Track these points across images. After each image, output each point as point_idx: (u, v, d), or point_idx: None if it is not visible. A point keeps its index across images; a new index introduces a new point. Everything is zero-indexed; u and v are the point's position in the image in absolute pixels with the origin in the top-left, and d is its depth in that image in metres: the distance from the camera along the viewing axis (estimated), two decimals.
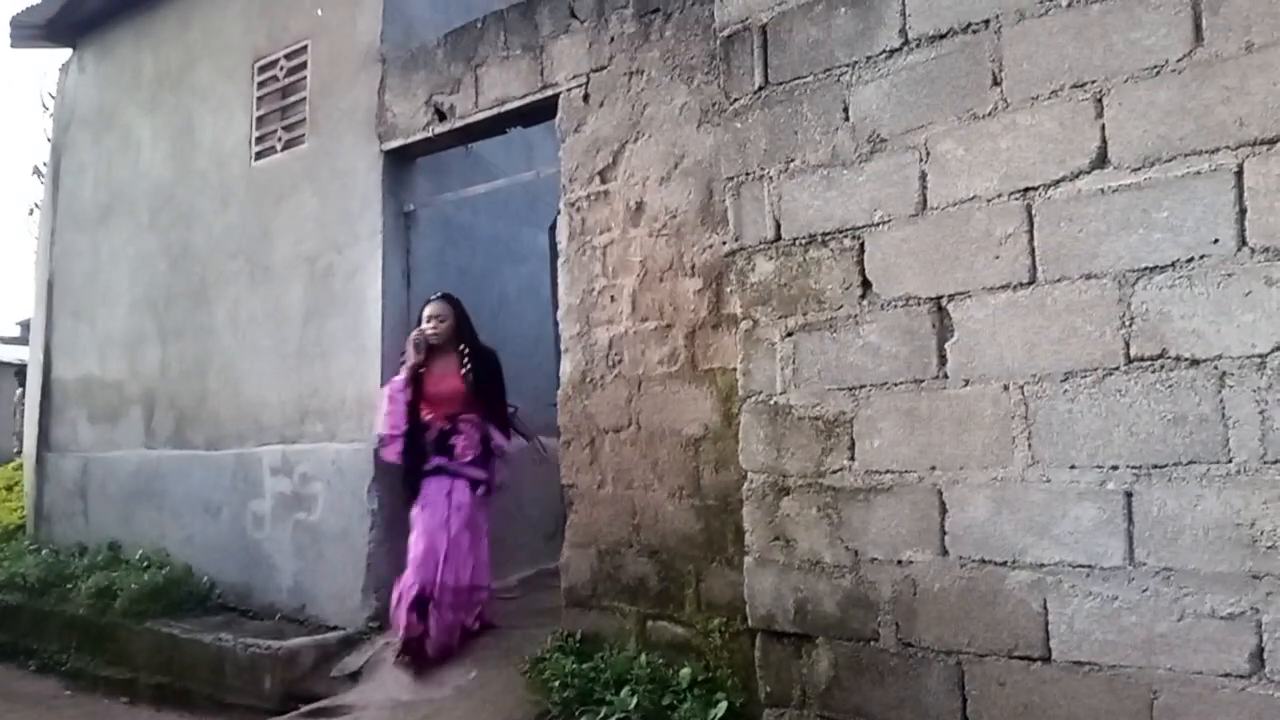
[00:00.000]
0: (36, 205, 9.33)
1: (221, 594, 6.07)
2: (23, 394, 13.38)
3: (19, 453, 12.82)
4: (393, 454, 4.80)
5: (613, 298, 4.41)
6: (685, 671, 3.77)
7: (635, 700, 3.68)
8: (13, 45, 8.47)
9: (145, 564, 6.39)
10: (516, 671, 4.30)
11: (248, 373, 6.17)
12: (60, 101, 8.49)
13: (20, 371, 14.09)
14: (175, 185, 7.02)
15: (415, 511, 4.67)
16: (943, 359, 2.67)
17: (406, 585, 4.54)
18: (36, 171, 9.69)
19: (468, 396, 4.79)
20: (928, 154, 2.75)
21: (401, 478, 4.84)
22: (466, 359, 4.79)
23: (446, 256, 5.98)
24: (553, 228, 5.55)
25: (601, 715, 3.69)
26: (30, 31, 8.26)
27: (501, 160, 5.82)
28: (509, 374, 6.03)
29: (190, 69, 7.03)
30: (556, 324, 5.46)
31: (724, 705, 3.52)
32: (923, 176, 2.75)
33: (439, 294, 4.95)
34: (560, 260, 4.66)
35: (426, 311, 4.86)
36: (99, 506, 7.32)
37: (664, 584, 4.09)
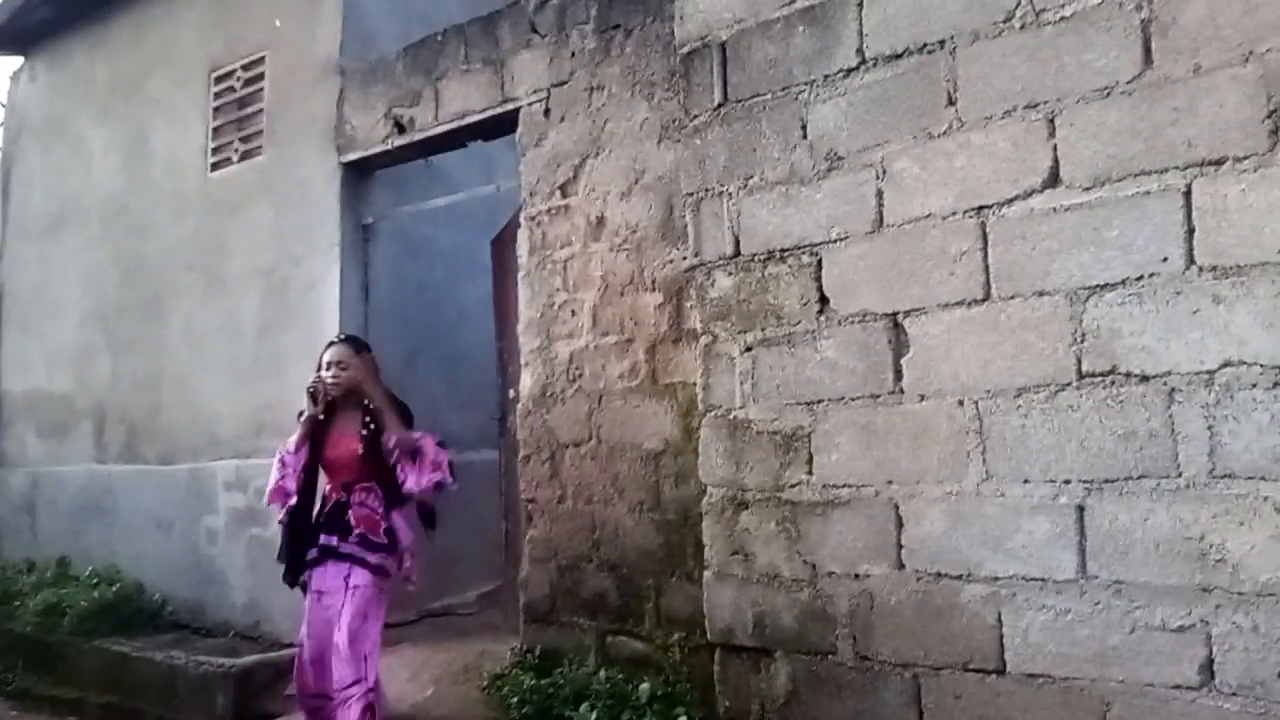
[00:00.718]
0: None
1: (174, 611, 5.95)
2: None
3: None
4: (280, 502, 3.87)
5: (573, 312, 4.41)
6: (645, 687, 3.75)
7: (595, 716, 3.66)
8: None
9: (95, 581, 6.23)
10: (475, 688, 4.27)
11: (202, 387, 6.08)
12: (10, 110, 8.33)
13: None
14: (128, 196, 6.91)
15: (307, 601, 3.77)
16: (899, 374, 2.70)
17: (299, 685, 3.79)
18: None
19: (365, 463, 3.78)
20: (884, 172, 2.78)
21: (279, 557, 3.89)
22: (368, 418, 3.80)
23: (405, 269, 5.94)
24: (495, 240, 5.54)
25: None
26: None
27: (461, 173, 5.79)
28: (468, 388, 6.02)
29: (145, 79, 6.93)
30: (497, 338, 5.48)
31: None
32: (879, 194, 2.78)
33: (342, 335, 4.13)
34: (521, 274, 4.65)
35: (326, 356, 3.89)
36: (47, 522, 7.15)
37: (624, 599, 4.08)
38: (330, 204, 5.53)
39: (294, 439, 3.84)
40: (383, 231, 5.72)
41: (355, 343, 4.02)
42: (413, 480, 3.70)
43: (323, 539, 3.75)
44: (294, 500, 3.80)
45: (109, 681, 5.35)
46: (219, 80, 6.34)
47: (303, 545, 3.78)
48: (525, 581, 4.47)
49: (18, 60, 8.25)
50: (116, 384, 6.76)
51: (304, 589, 3.78)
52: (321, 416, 3.81)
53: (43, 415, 7.38)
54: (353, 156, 5.48)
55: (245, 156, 6.12)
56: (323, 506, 3.86)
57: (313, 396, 3.79)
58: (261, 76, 6.06)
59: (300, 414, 3.88)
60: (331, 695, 3.61)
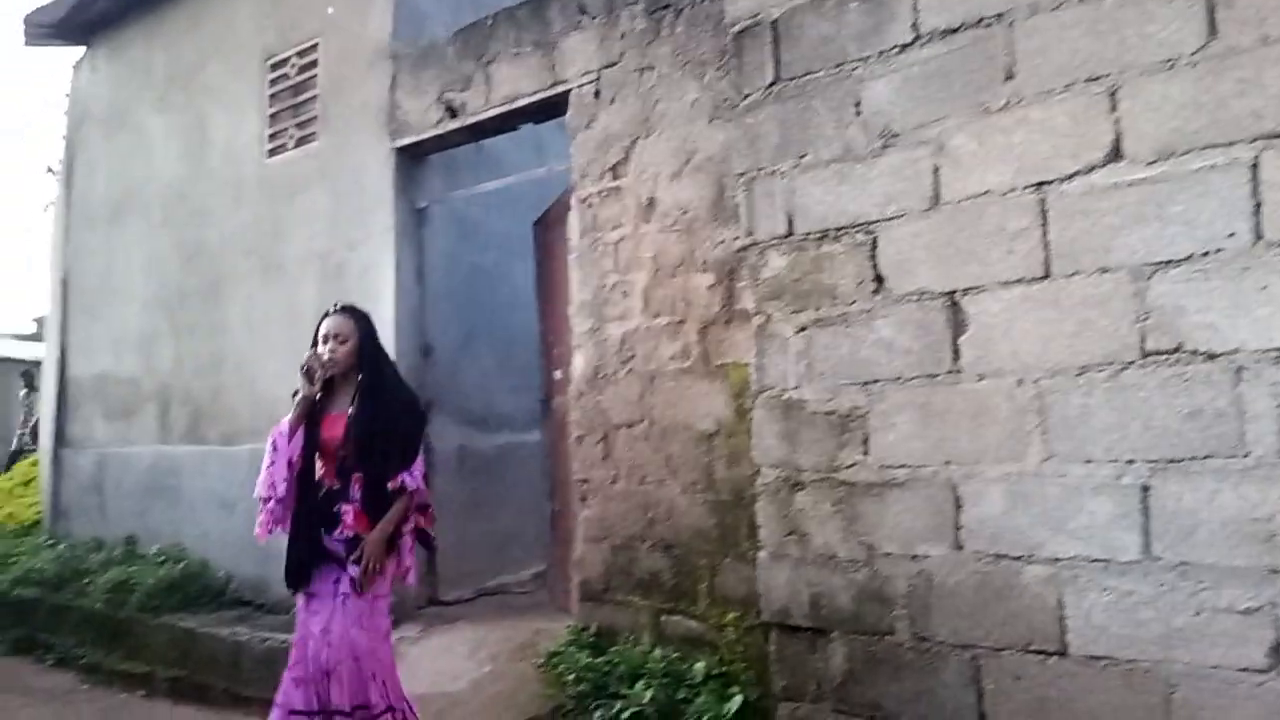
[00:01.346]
0: (51, 203, 9.37)
1: (237, 588, 6.10)
2: (25, 392, 13.42)
3: (15, 452, 12.92)
4: (261, 529, 3.41)
5: (625, 293, 4.41)
6: (699, 665, 3.77)
7: (650, 694, 3.69)
8: (26, 43, 8.53)
9: (161, 558, 6.42)
10: (531, 665, 4.31)
11: (262, 369, 6.20)
12: (73, 100, 8.51)
13: (27, 369, 14.01)
14: (188, 183, 7.05)
15: (299, 603, 3.40)
16: (957, 353, 2.67)
17: (279, 701, 3.31)
18: (51, 170, 9.72)
19: (353, 448, 3.32)
20: (941, 148, 2.75)
21: (286, 562, 3.39)
22: (356, 394, 3.39)
23: (458, 253, 6.00)
24: (538, 223, 5.56)
25: (616, 709, 3.70)
26: (43, 30, 8.30)
27: (512, 157, 5.82)
28: (520, 371, 6.07)
29: (202, 67, 7.05)
30: (540, 320, 5.51)
31: (739, 699, 3.52)
32: (935, 171, 2.75)
33: (339, 305, 3.60)
34: (572, 256, 4.66)
35: (322, 329, 3.48)
36: (115, 502, 7.37)
37: (678, 578, 4.10)
38: (384, 189, 5.59)
39: (288, 420, 3.40)
40: (436, 216, 5.77)
41: (354, 313, 3.56)
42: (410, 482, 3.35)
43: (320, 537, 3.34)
44: (279, 496, 3.35)
45: (176, 656, 5.51)
46: (274, 67, 6.43)
47: (307, 540, 3.34)
48: (580, 560, 4.51)
49: (79, 51, 8.44)
50: (180, 367, 6.93)
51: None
52: (319, 396, 3.39)
53: (109, 398, 7.59)
54: (405, 141, 5.52)
55: (301, 142, 6.20)
56: (315, 493, 3.38)
57: (308, 375, 3.35)
58: (315, 63, 6.13)
59: (295, 393, 3.42)
60: (317, 712, 3.20)
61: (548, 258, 5.40)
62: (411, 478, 3.35)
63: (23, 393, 13.60)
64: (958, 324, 2.68)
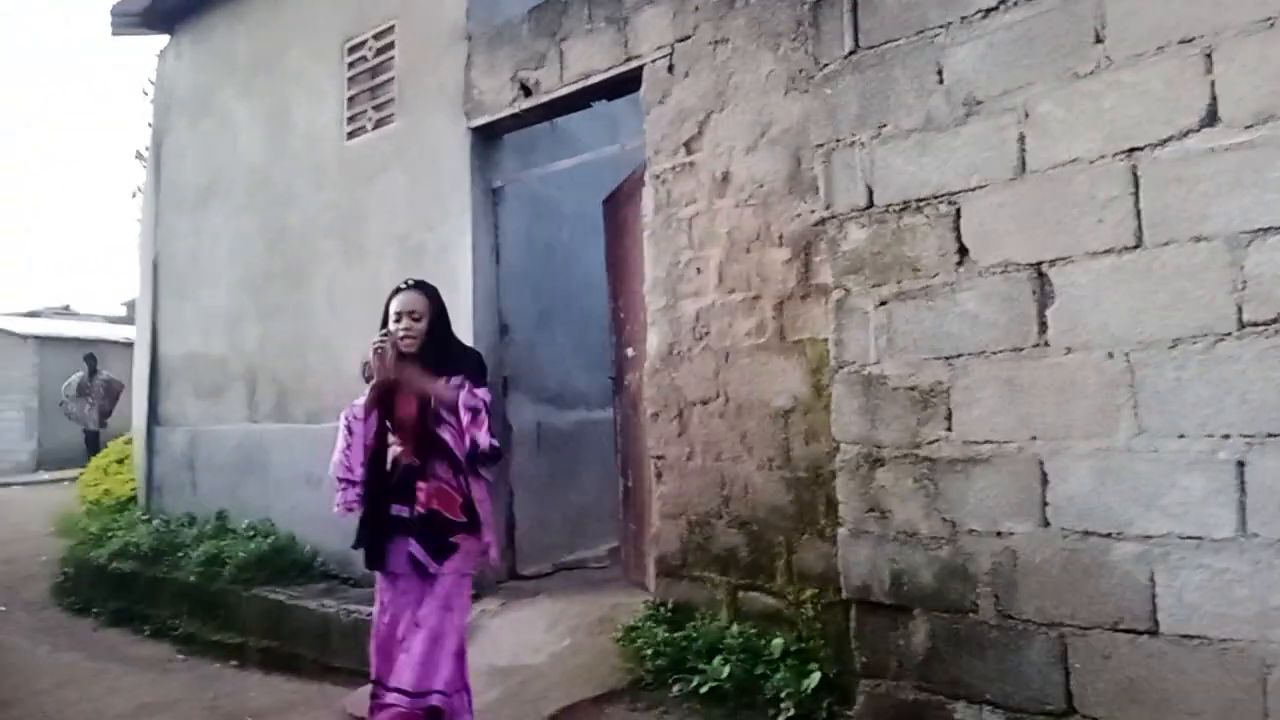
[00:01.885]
0: (140, 189, 9.68)
1: (324, 562, 6.27)
2: (88, 375, 13.61)
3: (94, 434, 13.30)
4: (340, 507, 3.38)
5: (699, 269, 4.40)
6: (777, 641, 3.78)
7: (728, 669, 3.71)
8: (114, 32, 8.79)
9: (251, 533, 6.65)
10: (609, 639, 4.36)
11: (344, 349, 6.32)
12: (159, 87, 8.76)
13: (90, 353, 14.24)
14: (271, 166, 7.22)
15: (379, 582, 3.36)
16: (1043, 326, 2.61)
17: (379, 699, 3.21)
18: (139, 156, 10.04)
19: (426, 427, 3.25)
20: (1026, 115, 2.68)
21: (356, 538, 3.35)
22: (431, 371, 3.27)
23: (533, 232, 6.05)
24: (608, 200, 5.56)
25: (694, 684, 3.73)
26: (130, 19, 8.55)
27: (585, 134, 5.84)
28: (595, 348, 6.11)
29: (283, 52, 7.19)
30: (611, 298, 5.51)
31: (817, 675, 3.52)
32: (1021, 139, 2.68)
33: (411, 281, 3.43)
34: (646, 233, 4.66)
35: (394, 305, 3.33)
36: (206, 478, 7.63)
37: (754, 555, 4.09)
38: (460, 169, 5.65)
39: (362, 402, 3.33)
40: (510, 195, 5.82)
41: (426, 289, 3.41)
42: (483, 438, 3.16)
43: (394, 509, 3.25)
44: (356, 479, 3.33)
45: (267, 628, 5.70)
46: (352, 50, 6.54)
47: (378, 520, 3.27)
48: (656, 536, 4.54)
49: (164, 39, 8.68)
50: (265, 347, 7.13)
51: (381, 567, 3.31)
52: (393, 377, 3.23)
53: (199, 377, 7.85)
54: (481, 121, 5.57)
55: (379, 124, 6.30)
56: (393, 470, 3.31)
57: (379, 355, 3.19)
58: (392, 45, 6.21)
59: (365, 372, 3.33)
60: (389, 685, 3.15)
61: (619, 235, 5.41)
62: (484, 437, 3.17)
63: (79, 376, 13.77)
64: (1044, 296, 2.61)
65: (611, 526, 6.04)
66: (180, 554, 6.76)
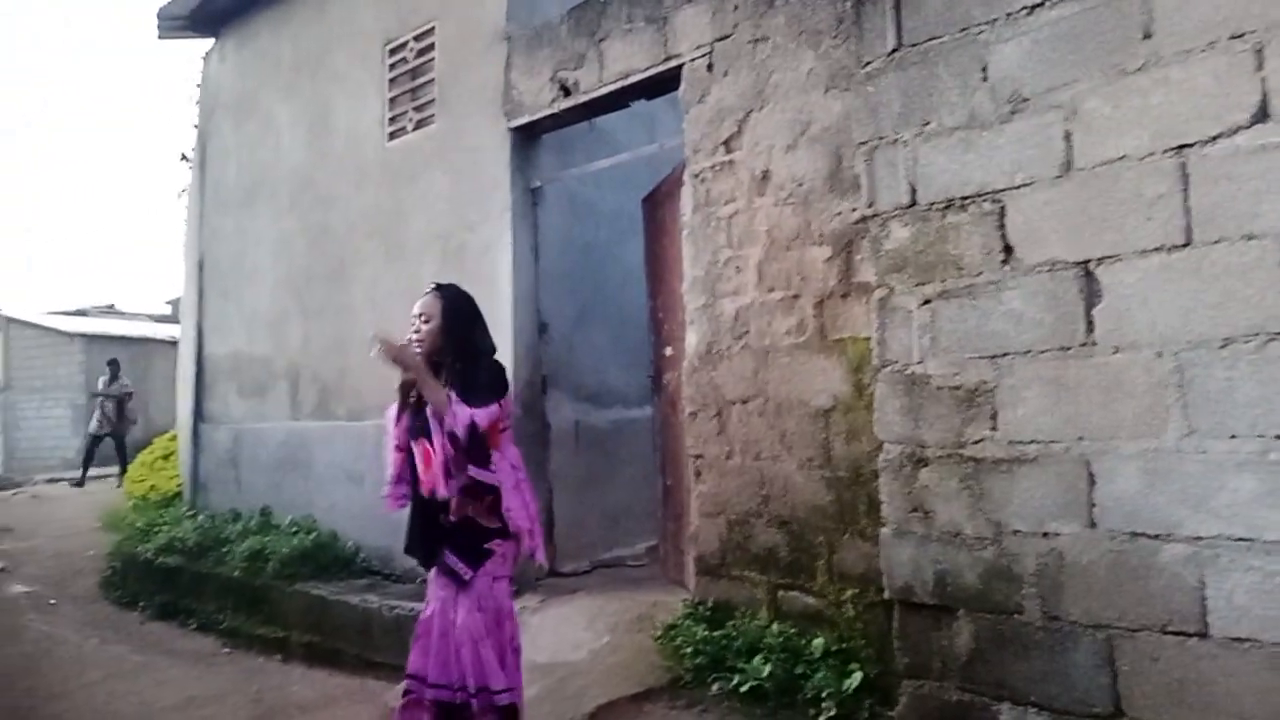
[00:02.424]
0: (185, 190, 9.84)
1: (366, 558, 6.35)
2: (110, 380, 13.47)
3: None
4: (391, 503, 3.41)
5: (738, 268, 4.40)
6: (818, 641, 3.76)
7: (768, 668, 3.70)
8: (160, 36, 8.95)
9: (294, 529, 6.74)
10: (648, 637, 4.37)
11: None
12: (205, 89, 8.91)
13: (114, 359, 14.09)
14: (313, 168, 7.31)
15: (429, 575, 3.39)
16: (1090, 325, 2.58)
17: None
18: (184, 157, 10.20)
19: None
20: (1073, 113, 2.65)
21: (406, 545, 3.39)
22: (444, 375, 3.25)
23: (572, 232, 6.07)
24: (647, 199, 5.57)
25: (734, 682, 3.73)
26: (176, 23, 8.70)
27: (624, 134, 5.85)
28: (633, 347, 6.12)
29: (326, 54, 7.28)
30: (650, 297, 5.52)
31: (859, 676, 3.51)
32: (1067, 136, 2.66)
33: (432, 285, 3.47)
34: (685, 232, 4.67)
35: (414, 309, 3.40)
36: (250, 475, 7.74)
37: (794, 554, 4.09)
38: (500, 169, 5.68)
39: (393, 408, 3.34)
40: (549, 195, 5.84)
41: (441, 291, 3.42)
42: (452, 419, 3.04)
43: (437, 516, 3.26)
44: (394, 476, 3.35)
45: (310, 623, 5.78)
46: (393, 52, 6.60)
47: (419, 521, 3.31)
48: (695, 535, 4.54)
49: (209, 43, 8.82)
50: (308, 346, 7.22)
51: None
52: (410, 378, 3.20)
53: (243, 376, 7.97)
54: (520, 121, 5.60)
55: (419, 125, 6.36)
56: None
57: (386, 356, 3.15)
58: (432, 46, 6.27)
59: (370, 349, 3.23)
60: (428, 680, 3.20)
61: (657, 234, 5.42)
62: (461, 416, 3.04)
63: (103, 380, 13.62)
64: (1091, 294, 2.58)
65: (648, 525, 6.05)
66: (225, 549, 6.86)
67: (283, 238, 7.57)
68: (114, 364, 13.59)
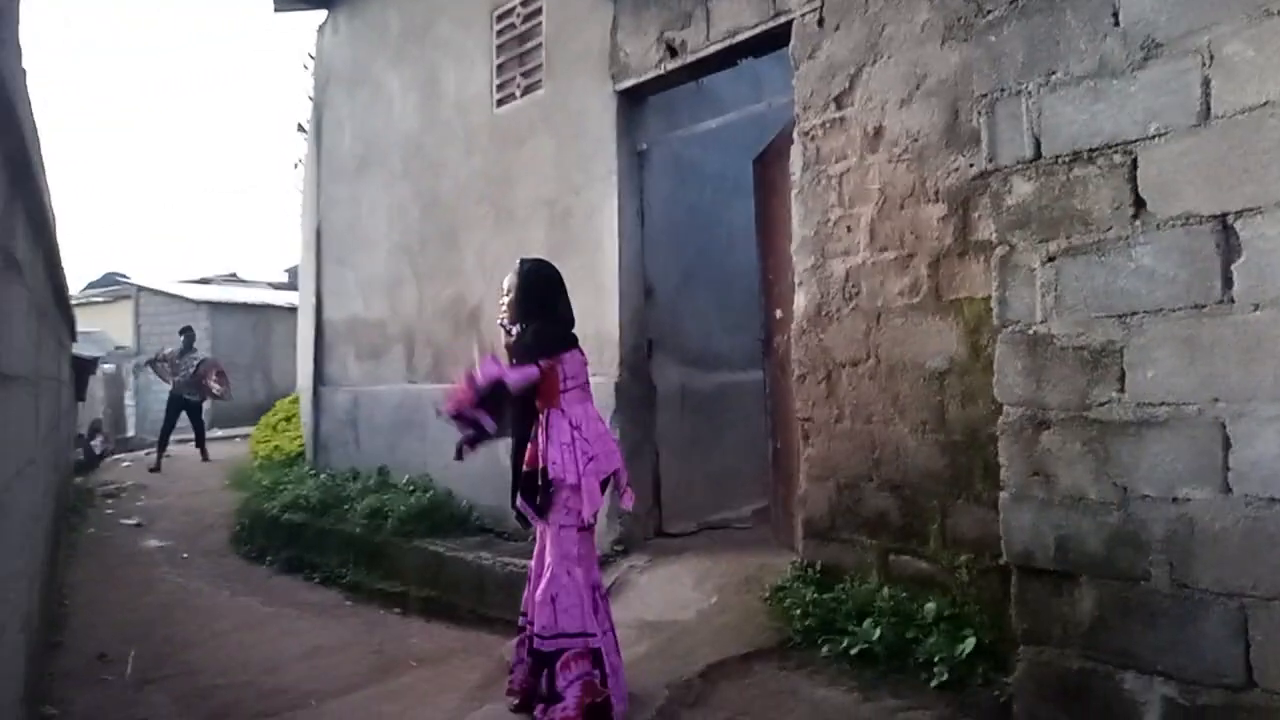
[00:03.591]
0: (301, 160, 10.15)
1: (479, 516, 6.53)
2: (180, 349, 12.13)
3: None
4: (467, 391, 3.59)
5: (849, 228, 4.32)
6: (931, 606, 3.72)
7: (879, 632, 3.68)
8: (275, 9, 9.22)
9: (411, 488, 6.97)
10: (756, 599, 4.39)
11: (495, 312, 6.50)
12: (318, 61, 9.15)
13: (188, 327, 12.95)
14: (423, 135, 7.45)
15: None
16: (1228, 281, 2.45)
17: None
18: (300, 128, 10.52)
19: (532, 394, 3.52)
20: (1211, 58, 2.49)
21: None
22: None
23: (677, 194, 6.05)
24: (758, 160, 5.48)
25: (844, 645, 3.71)
26: None
27: (729, 94, 5.78)
28: (738, 310, 6.08)
29: (433, 22, 7.39)
30: (761, 259, 5.45)
31: (972, 641, 3.46)
32: (1205, 83, 2.51)
33: (518, 261, 3.81)
34: (794, 192, 4.60)
35: (503, 284, 3.76)
36: (368, 436, 8.02)
37: (906, 519, 4.03)
38: (606, 133, 5.69)
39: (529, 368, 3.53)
40: (655, 157, 5.83)
41: (520, 266, 3.73)
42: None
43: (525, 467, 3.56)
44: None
45: (427, 578, 5.98)
46: (500, 18, 6.65)
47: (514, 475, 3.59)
48: (804, 499, 4.51)
49: (321, 15, 9.04)
50: (422, 310, 7.41)
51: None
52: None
53: (360, 340, 8.23)
54: (626, 84, 5.59)
55: (526, 91, 6.41)
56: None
57: (455, 416, 3.50)
58: (539, 11, 6.29)
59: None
60: (527, 615, 3.55)
61: (768, 195, 5.36)
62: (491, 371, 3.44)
63: (168, 350, 12.41)
64: (1229, 249, 2.45)
65: (754, 488, 6.05)
66: (345, 507, 7.15)
67: (395, 204, 7.75)
68: (187, 331, 12.61)
